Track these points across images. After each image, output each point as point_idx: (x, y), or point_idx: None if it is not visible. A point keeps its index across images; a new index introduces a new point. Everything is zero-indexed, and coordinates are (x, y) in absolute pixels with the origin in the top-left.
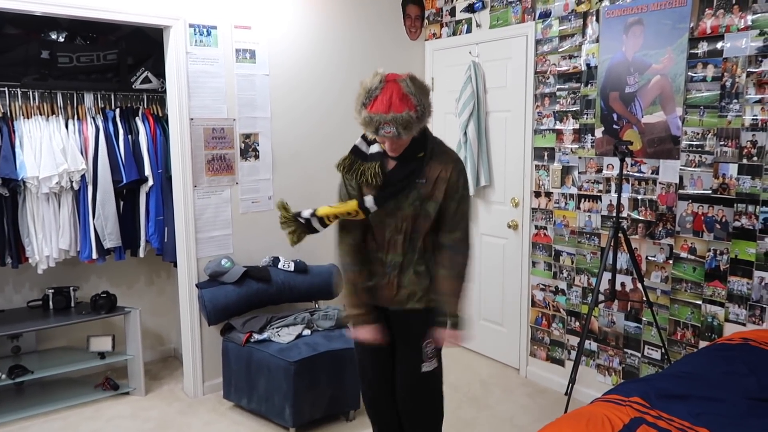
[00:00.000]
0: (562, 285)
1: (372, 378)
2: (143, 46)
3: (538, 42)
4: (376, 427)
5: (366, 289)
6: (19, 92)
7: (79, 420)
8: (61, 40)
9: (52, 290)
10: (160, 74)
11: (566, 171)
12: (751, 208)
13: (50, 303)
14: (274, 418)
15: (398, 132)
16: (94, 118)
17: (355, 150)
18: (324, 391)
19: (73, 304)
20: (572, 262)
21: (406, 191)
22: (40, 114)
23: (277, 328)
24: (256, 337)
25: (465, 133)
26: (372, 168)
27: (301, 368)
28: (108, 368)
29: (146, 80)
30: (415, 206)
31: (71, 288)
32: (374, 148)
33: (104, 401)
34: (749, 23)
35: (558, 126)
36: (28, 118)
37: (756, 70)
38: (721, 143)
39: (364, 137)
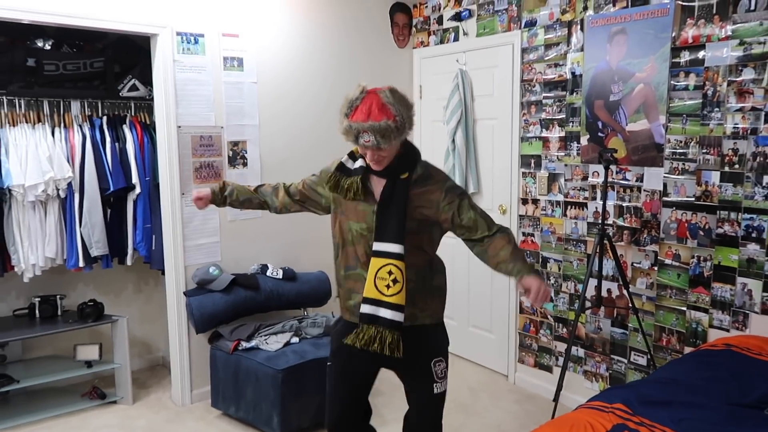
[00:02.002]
0: (550, 292)
1: (340, 401)
2: (130, 53)
3: (524, 50)
4: None
5: (347, 309)
6: (5, 100)
7: (65, 430)
8: (48, 47)
9: (39, 299)
10: (148, 82)
11: (553, 178)
12: (733, 215)
13: (36, 311)
14: (261, 426)
15: (377, 141)
16: (80, 126)
17: (340, 167)
18: (312, 399)
19: (59, 313)
20: (559, 269)
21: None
22: (26, 122)
23: (265, 335)
24: (244, 345)
25: (453, 141)
26: (354, 181)
27: (289, 376)
28: (95, 377)
29: (133, 88)
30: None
31: (58, 296)
32: (358, 164)
33: (91, 410)
34: (729, 33)
35: (544, 134)
36: (13, 126)
37: (736, 79)
38: (704, 151)
39: (350, 155)
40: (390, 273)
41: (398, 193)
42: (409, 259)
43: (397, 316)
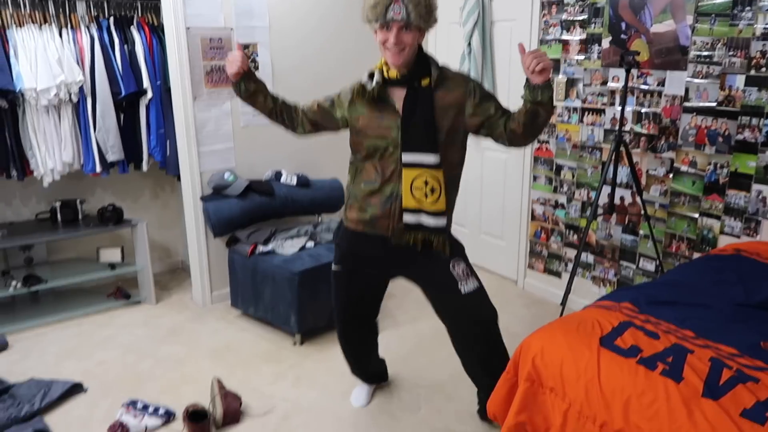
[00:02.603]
0: (562, 199)
1: (345, 304)
2: None
3: None
4: (351, 359)
5: (361, 221)
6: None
7: (93, 327)
8: None
9: (59, 203)
10: None
11: (571, 84)
12: (755, 121)
13: (58, 215)
14: (280, 324)
15: (408, 14)
16: (87, 27)
17: (360, 87)
18: (326, 301)
19: (80, 217)
20: (573, 176)
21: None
22: (33, 22)
23: (281, 240)
24: (261, 248)
25: (469, 44)
26: (375, 88)
27: (305, 278)
28: (118, 279)
29: None
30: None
31: (78, 201)
32: (376, 79)
33: (117, 310)
34: None
35: (565, 36)
36: (20, 26)
37: None
38: (731, 53)
39: (369, 75)
40: (426, 183)
41: (422, 101)
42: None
43: (440, 222)
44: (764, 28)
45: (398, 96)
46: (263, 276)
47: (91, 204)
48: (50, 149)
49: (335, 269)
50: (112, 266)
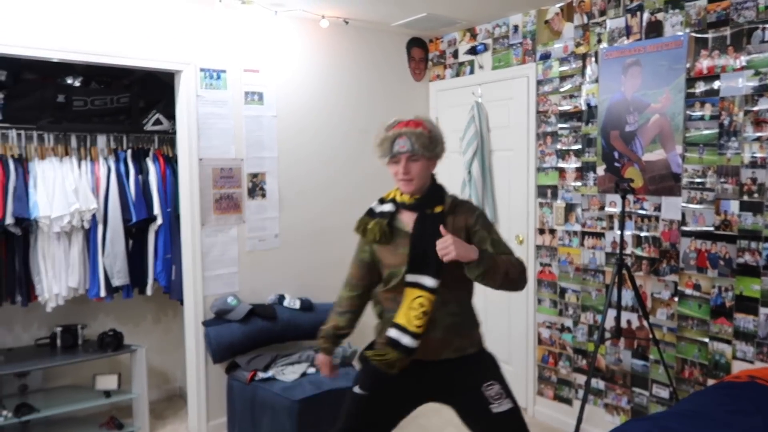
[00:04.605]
0: (568, 323)
1: (354, 428)
2: (155, 89)
3: (539, 83)
4: None
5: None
6: (35, 134)
7: None
8: (77, 84)
9: (60, 328)
10: (171, 116)
11: (569, 208)
12: (754, 245)
13: (58, 341)
14: None
15: (412, 144)
16: (106, 159)
17: (369, 211)
18: (328, 430)
19: (80, 342)
20: (578, 299)
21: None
22: (55, 155)
23: (281, 366)
24: (261, 375)
25: (469, 171)
26: (378, 222)
27: (305, 407)
28: (113, 407)
29: (157, 122)
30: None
31: (79, 326)
32: (386, 207)
33: None
34: (744, 64)
35: (560, 164)
36: (42, 159)
37: (753, 108)
38: (722, 180)
39: (380, 200)
40: (421, 305)
41: (432, 225)
42: (454, 292)
43: (413, 344)
44: (752, 157)
45: (407, 220)
46: (262, 404)
47: (93, 328)
48: (57, 275)
49: (356, 391)
50: (108, 394)
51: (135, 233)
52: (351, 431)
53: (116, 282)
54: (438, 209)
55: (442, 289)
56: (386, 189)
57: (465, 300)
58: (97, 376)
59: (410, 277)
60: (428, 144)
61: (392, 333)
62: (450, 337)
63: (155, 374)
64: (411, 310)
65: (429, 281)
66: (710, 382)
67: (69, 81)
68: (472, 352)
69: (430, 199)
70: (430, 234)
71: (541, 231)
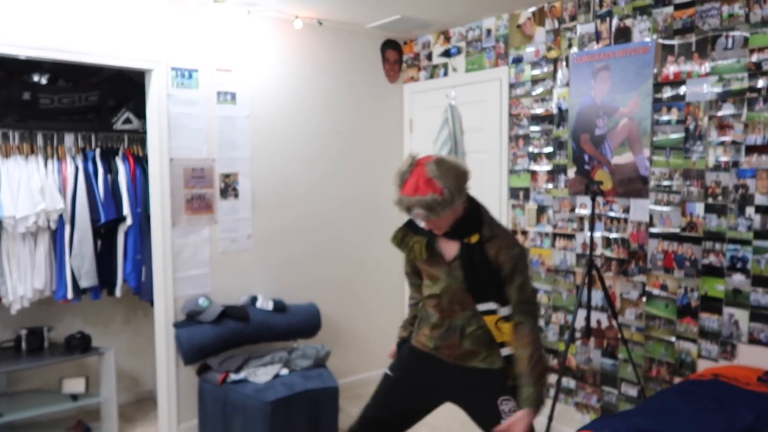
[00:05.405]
0: (540, 322)
1: (377, 404)
2: (125, 87)
3: (511, 86)
4: None
5: (427, 346)
6: (0, 132)
7: None
8: (44, 82)
9: (26, 330)
10: (141, 115)
11: (541, 210)
12: (718, 246)
13: (23, 343)
14: None
15: (428, 215)
16: (73, 158)
17: (409, 222)
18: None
19: (46, 345)
20: (549, 300)
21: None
22: (20, 153)
23: (254, 367)
24: (233, 377)
25: None
26: (420, 242)
27: (277, 409)
28: (80, 411)
29: (127, 121)
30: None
31: (45, 328)
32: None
33: None
34: (708, 70)
35: (532, 166)
36: (6, 157)
37: (717, 114)
38: (688, 183)
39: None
40: (503, 324)
41: (478, 258)
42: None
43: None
44: (716, 161)
45: (444, 245)
46: (233, 406)
47: (60, 330)
48: (22, 276)
49: (387, 372)
50: (75, 397)
51: (104, 234)
52: (374, 407)
53: (84, 283)
54: (474, 239)
55: (474, 314)
56: (361, 191)
57: (500, 317)
58: (64, 379)
59: (481, 306)
60: (442, 205)
61: (504, 351)
62: (478, 348)
63: (125, 377)
64: (502, 333)
65: (499, 308)
66: (677, 380)
67: (36, 78)
68: (498, 368)
69: (465, 229)
70: (480, 267)
71: (514, 232)
